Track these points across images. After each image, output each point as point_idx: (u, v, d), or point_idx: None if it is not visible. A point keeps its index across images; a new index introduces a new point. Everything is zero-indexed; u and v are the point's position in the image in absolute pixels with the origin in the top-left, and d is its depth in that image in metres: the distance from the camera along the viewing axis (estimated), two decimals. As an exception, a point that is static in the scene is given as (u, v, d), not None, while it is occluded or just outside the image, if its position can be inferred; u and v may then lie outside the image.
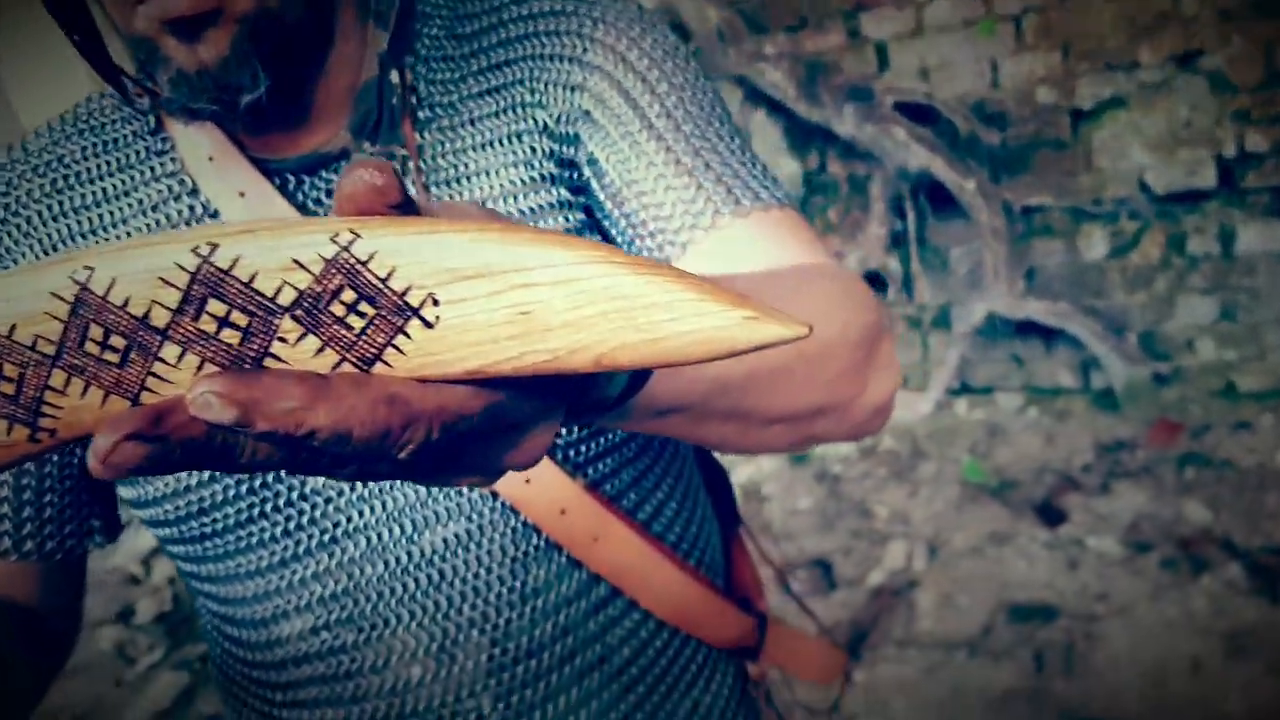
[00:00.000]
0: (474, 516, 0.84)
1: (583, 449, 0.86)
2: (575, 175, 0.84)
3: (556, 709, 0.90)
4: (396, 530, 0.83)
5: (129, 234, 0.79)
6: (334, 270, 0.33)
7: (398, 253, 0.33)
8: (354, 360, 0.34)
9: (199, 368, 0.34)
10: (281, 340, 0.34)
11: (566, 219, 0.84)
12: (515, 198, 0.82)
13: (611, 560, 0.88)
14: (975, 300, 3.92)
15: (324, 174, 0.81)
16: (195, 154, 0.79)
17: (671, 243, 0.81)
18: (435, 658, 0.86)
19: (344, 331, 0.34)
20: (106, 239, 0.79)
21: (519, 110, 0.83)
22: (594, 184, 0.83)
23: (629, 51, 0.83)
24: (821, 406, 0.71)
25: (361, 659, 0.86)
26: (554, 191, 0.84)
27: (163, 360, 0.34)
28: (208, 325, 0.33)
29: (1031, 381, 4.03)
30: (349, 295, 0.33)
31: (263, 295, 0.33)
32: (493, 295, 0.33)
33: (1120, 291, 3.86)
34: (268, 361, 0.34)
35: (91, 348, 0.33)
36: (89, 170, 0.82)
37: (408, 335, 0.34)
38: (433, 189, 0.81)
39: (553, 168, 0.84)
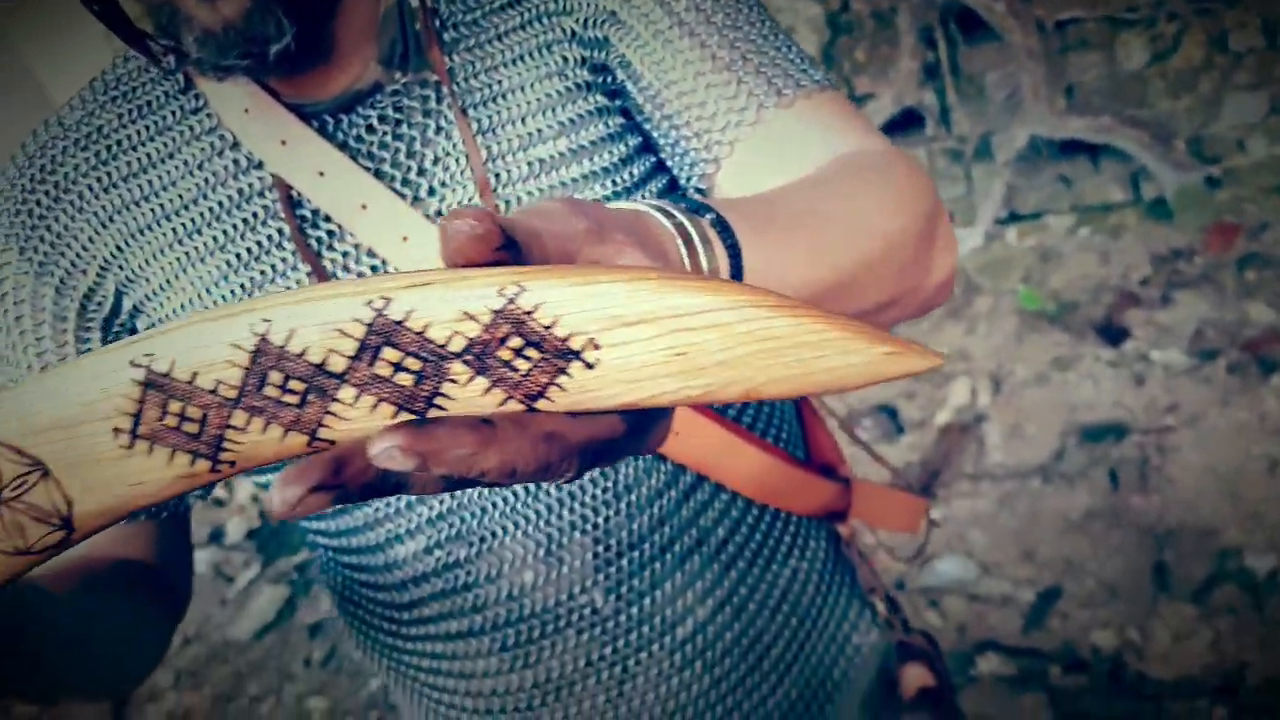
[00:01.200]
0: None
1: None
2: (609, 79, 0.84)
3: (664, 594, 0.94)
4: None
5: (179, 197, 0.81)
6: (502, 320, 0.35)
7: (561, 303, 0.35)
8: (519, 398, 0.37)
9: (374, 406, 0.37)
10: (452, 381, 0.36)
11: (606, 125, 0.83)
12: (553, 110, 0.82)
13: (694, 451, 0.90)
14: (1016, 125, 3.82)
15: (360, 110, 0.81)
16: (230, 108, 0.79)
17: (719, 142, 0.80)
18: (544, 561, 0.90)
19: (510, 373, 0.36)
20: (160, 204, 0.81)
21: (544, 20, 0.83)
22: (629, 87, 0.83)
23: None
24: (891, 300, 0.72)
25: (476, 571, 0.90)
26: (591, 99, 0.83)
27: (339, 401, 0.36)
28: (383, 370, 0.36)
29: (1081, 201, 3.96)
30: (516, 342, 0.36)
31: (435, 343, 0.36)
32: (651, 339, 0.36)
33: (1164, 98, 3.74)
34: (439, 400, 0.37)
35: (271, 391, 0.36)
36: (129, 138, 0.82)
37: (569, 375, 0.36)
38: (470, 111, 0.81)
39: (586, 75, 0.83)
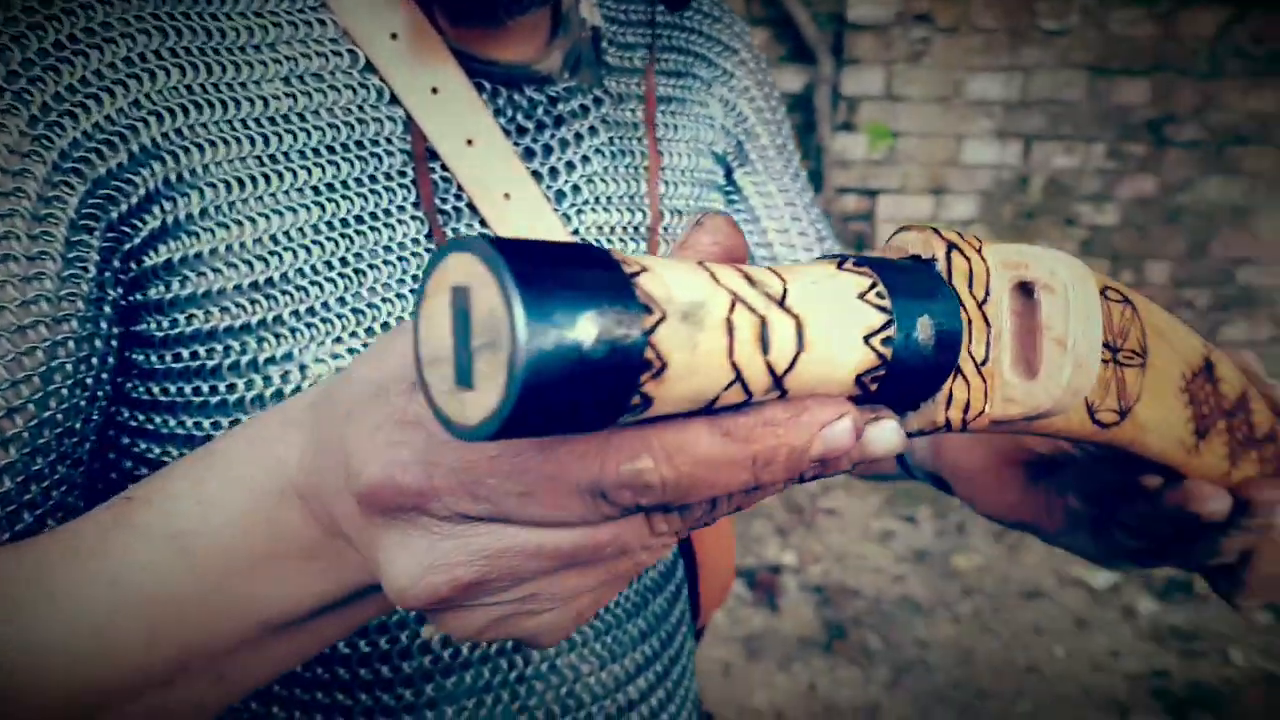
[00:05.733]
0: None
1: None
2: (725, 174, 0.89)
3: (683, 696, 0.88)
4: None
5: (270, 99, 0.61)
6: None
7: None
8: None
9: None
10: None
11: (724, 194, 0.88)
12: (695, 170, 0.84)
13: (714, 545, 0.90)
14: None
15: (528, 90, 0.71)
16: (370, 26, 0.64)
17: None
18: (610, 650, 0.79)
19: None
20: (246, 98, 0.61)
21: (695, 82, 0.85)
22: (744, 197, 0.91)
23: (769, 87, 0.92)
24: None
25: (539, 660, 0.75)
26: (720, 170, 0.87)
27: None
28: None
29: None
30: None
31: None
32: None
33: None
34: None
35: None
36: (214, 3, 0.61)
37: None
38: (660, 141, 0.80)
39: (720, 150, 0.87)
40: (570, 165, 0.72)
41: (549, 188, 0.71)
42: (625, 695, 0.80)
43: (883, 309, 0.34)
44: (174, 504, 0.43)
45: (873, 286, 0.34)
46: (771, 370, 0.31)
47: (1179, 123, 3.85)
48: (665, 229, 0.78)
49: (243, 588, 0.42)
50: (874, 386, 0.34)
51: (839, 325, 0.33)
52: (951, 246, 0.38)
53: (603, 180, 0.74)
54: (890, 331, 0.34)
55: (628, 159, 0.76)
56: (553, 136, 0.71)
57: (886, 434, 0.34)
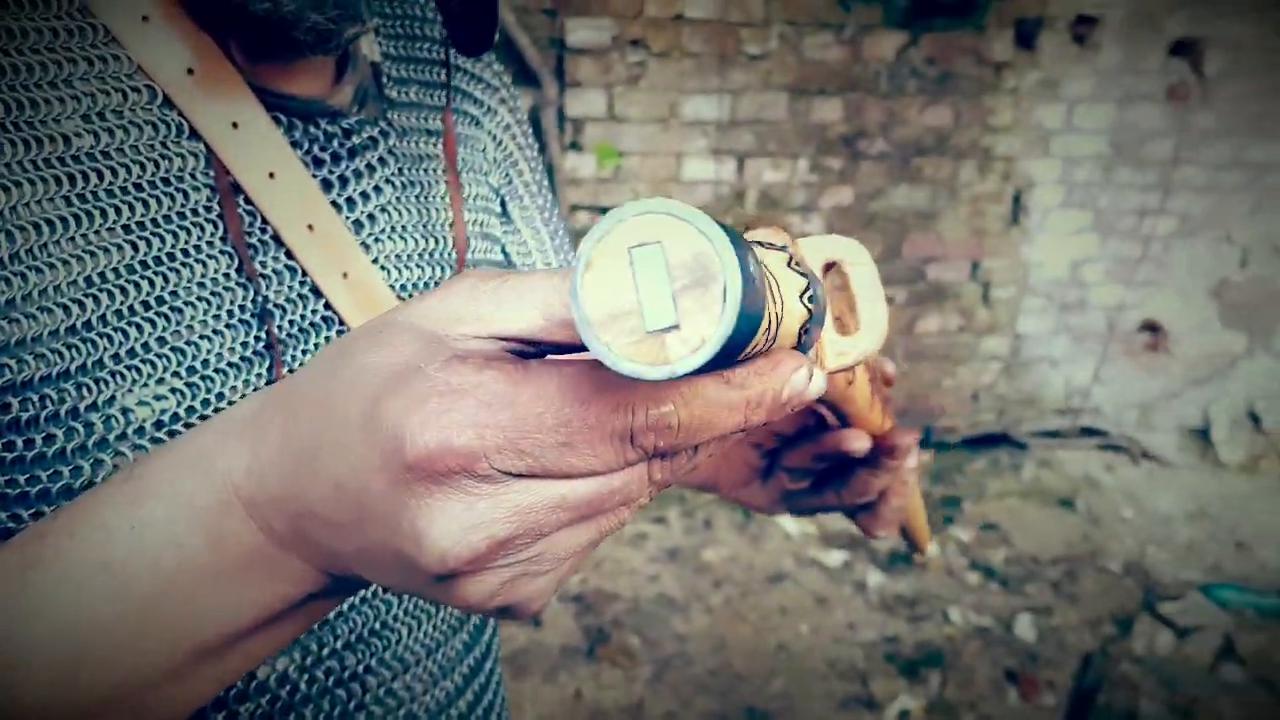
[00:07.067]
0: None
1: None
2: (501, 205, 0.92)
3: (500, 705, 0.93)
4: None
5: (72, 136, 0.60)
6: None
7: None
8: None
9: None
10: None
11: (501, 219, 0.91)
12: (479, 199, 0.87)
13: None
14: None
15: (322, 124, 0.73)
16: (163, 61, 0.64)
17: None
18: (440, 667, 0.81)
19: None
20: (48, 136, 0.59)
21: (466, 118, 0.88)
22: (516, 229, 0.95)
23: (526, 124, 0.98)
24: None
25: (377, 685, 0.76)
26: (495, 200, 0.90)
27: None
28: None
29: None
30: None
31: None
32: None
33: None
34: None
35: None
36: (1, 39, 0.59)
37: None
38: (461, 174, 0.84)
39: (495, 183, 0.91)
40: (365, 195, 0.74)
41: (347, 218, 0.72)
42: (456, 709, 0.83)
43: (803, 274, 0.42)
44: (104, 532, 0.43)
45: (792, 258, 0.42)
46: (775, 321, 0.38)
47: (869, 138, 4.23)
48: (470, 254, 0.83)
49: (179, 609, 0.43)
50: (804, 338, 0.42)
51: (789, 287, 0.40)
52: (792, 238, 0.47)
53: (395, 210, 0.76)
54: (811, 291, 0.42)
55: (417, 189, 0.79)
56: (348, 168, 0.73)
57: (819, 380, 0.41)
